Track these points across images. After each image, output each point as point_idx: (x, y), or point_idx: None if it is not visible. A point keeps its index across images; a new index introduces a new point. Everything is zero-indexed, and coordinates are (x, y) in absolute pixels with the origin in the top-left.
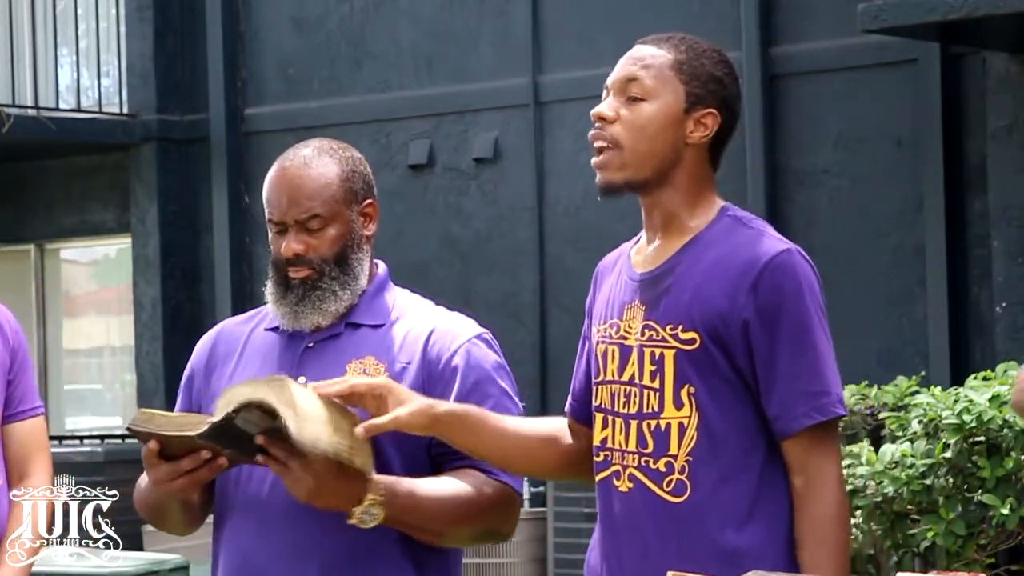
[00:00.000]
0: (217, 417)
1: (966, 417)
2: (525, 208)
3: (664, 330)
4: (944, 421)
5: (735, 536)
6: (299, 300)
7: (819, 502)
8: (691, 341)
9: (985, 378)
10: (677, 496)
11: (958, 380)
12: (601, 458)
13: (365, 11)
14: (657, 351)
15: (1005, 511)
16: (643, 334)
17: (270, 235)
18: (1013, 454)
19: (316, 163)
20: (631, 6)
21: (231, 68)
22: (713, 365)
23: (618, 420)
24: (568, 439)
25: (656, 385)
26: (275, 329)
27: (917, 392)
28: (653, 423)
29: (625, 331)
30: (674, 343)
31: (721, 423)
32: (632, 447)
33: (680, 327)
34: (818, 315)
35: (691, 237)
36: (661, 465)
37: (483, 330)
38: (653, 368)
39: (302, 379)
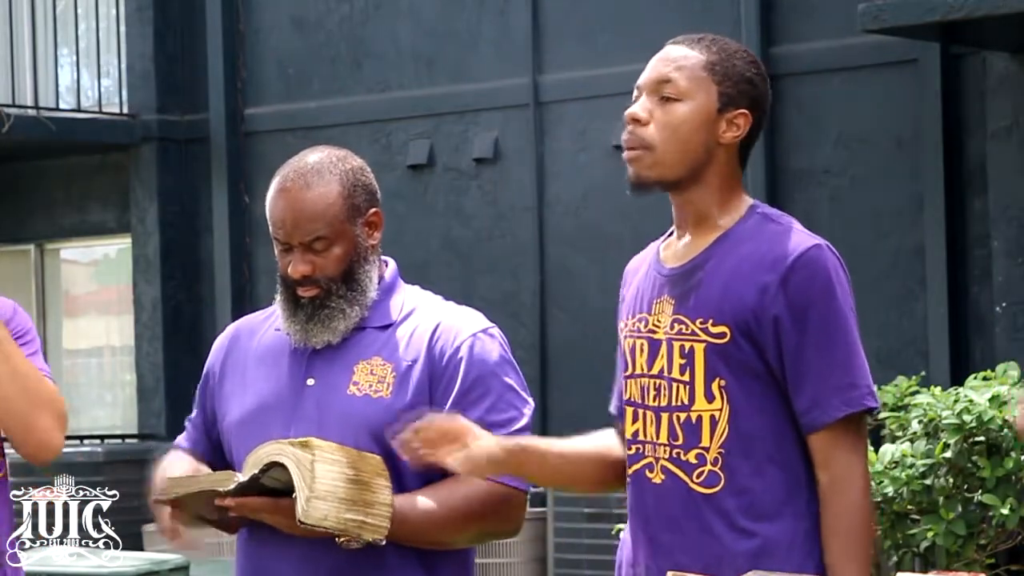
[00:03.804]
0: (244, 477)
1: (966, 417)
2: (525, 208)
3: (694, 324)
4: (944, 421)
5: (765, 528)
6: (309, 318)
7: (845, 499)
8: (721, 335)
9: (985, 378)
10: (709, 487)
11: (958, 380)
12: (633, 451)
13: (365, 11)
14: (687, 344)
15: (1005, 511)
16: (672, 328)
17: (276, 249)
18: (1013, 454)
19: (317, 182)
20: (631, 6)
21: (231, 68)
22: (743, 359)
23: (648, 413)
24: (617, 450)
25: (686, 378)
26: None
27: (917, 392)
28: (683, 416)
29: (654, 325)
30: (704, 337)
31: (752, 416)
32: (663, 439)
33: (710, 321)
34: (848, 309)
35: (721, 233)
36: (692, 457)
37: (490, 324)
38: (683, 361)
39: (311, 381)
